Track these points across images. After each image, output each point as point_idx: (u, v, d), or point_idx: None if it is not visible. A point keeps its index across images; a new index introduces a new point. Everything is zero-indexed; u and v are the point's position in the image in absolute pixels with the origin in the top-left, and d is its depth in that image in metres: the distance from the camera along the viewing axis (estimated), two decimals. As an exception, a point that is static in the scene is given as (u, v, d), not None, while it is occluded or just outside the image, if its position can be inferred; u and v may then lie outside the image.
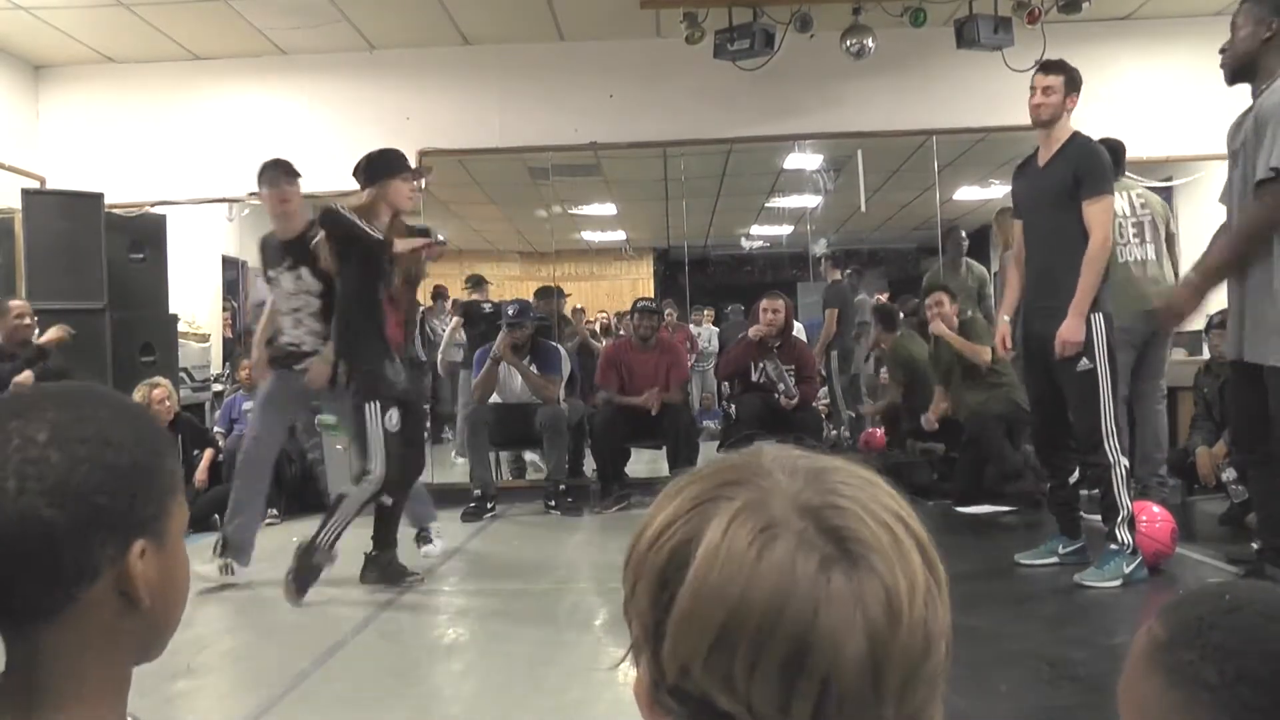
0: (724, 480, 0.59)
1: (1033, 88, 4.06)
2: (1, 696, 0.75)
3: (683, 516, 0.58)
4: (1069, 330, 3.86)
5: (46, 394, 0.76)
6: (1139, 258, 5.01)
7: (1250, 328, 3.37)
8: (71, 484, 0.72)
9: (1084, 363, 3.88)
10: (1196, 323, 5.92)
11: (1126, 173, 5.24)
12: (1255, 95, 3.39)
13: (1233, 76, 3.45)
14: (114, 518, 0.73)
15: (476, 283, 8.95)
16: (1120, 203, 4.98)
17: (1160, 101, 6.58)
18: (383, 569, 4.26)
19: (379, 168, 4.19)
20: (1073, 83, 4.03)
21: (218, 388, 7.88)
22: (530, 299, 7.68)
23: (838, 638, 0.54)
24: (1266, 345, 3.30)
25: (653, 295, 11.85)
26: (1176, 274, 5.19)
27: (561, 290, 8.50)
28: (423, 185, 4.53)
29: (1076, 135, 4.03)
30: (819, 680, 0.54)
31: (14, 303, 5.47)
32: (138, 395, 5.90)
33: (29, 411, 0.73)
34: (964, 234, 7.73)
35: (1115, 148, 4.97)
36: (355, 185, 4.28)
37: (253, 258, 9.70)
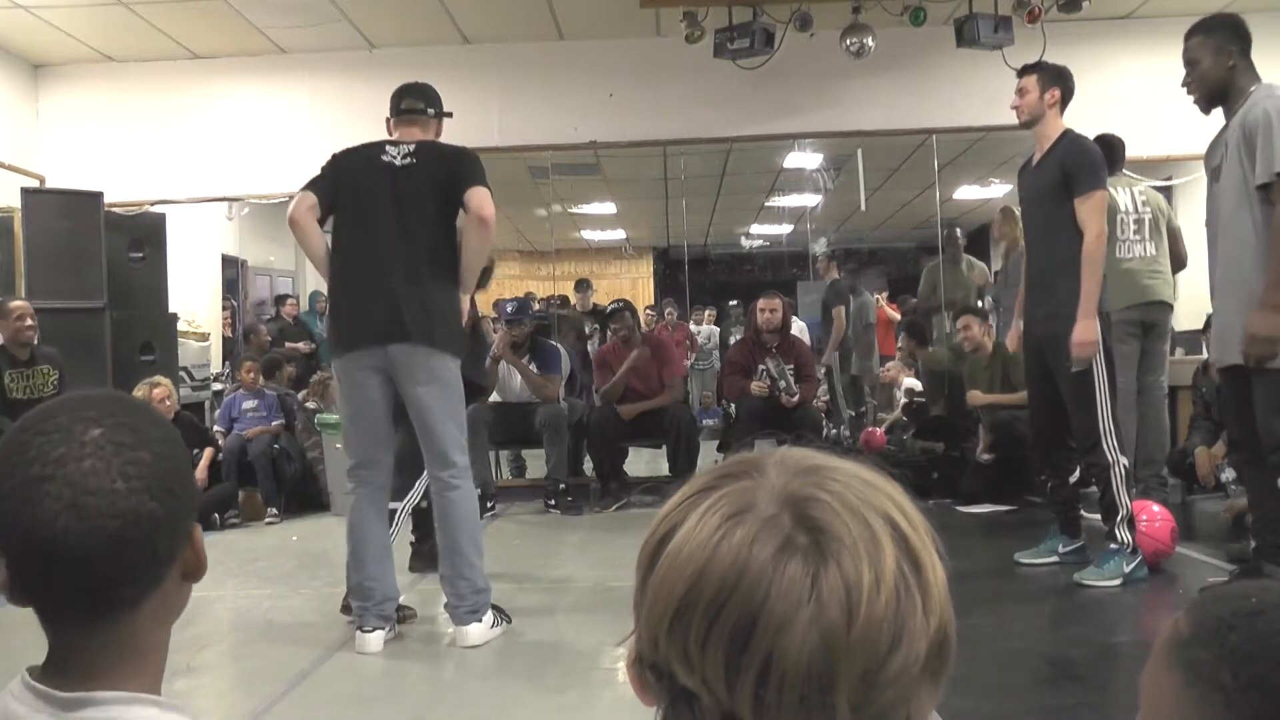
0: (723, 473, 0.63)
1: (1015, 93, 4.11)
2: (65, 672, 0.79)
3: (680, 505, 0.62)
4: (1081, 332, 3.81)
5: (102, 402, 0.81)
6: (1139, 254, 5.02)
7: (1227, 330, 3.39)
8: (162, 478, 0.79)
9: (1080, 363, 3.88)
10: (1196, 322, 5.95)
11: (1125, 171, 5.24)
12: (1229, 114, 3.49)
13: (1208, 106, 3.57)
14: (187, 505, 0.82)
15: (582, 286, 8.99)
16: (1122, 198, 5.00)
17: (1160, 100, 6.55)
18: (426, 557, 4.32)
19: None
20: (1051, 78, 4.03)
21: (217, 387, 7.88)
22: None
23: (785, 620, 0.55)
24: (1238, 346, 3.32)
25: (652, 294, 11.89)
26: (1178, 268, 5.20)
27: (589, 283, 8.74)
28: None
29: (1067, 133, 4.03)
30: (760, 659, 0.55)
31: (15, 304, 5.46)
32: (138, 394, 5.91)
33: (104, 419, 0.79)
34: (959, 231, 7.73)
35: (1113, 144, 4.98)
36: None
37: (252, 256, 9.73)
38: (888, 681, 0.56)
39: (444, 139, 3.71)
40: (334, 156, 3.58)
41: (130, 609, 0.80)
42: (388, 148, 3.47)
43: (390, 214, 3.38)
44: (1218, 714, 0.66)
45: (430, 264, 3.36)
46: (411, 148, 3.45)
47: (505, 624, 3.53)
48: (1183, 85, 3.57)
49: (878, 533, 0.58)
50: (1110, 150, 4.85)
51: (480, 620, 3.41)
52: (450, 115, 3.72)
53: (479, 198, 3.34)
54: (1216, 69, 3.47)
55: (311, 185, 3.48)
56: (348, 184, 3.46)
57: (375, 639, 3.38)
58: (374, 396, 3.41)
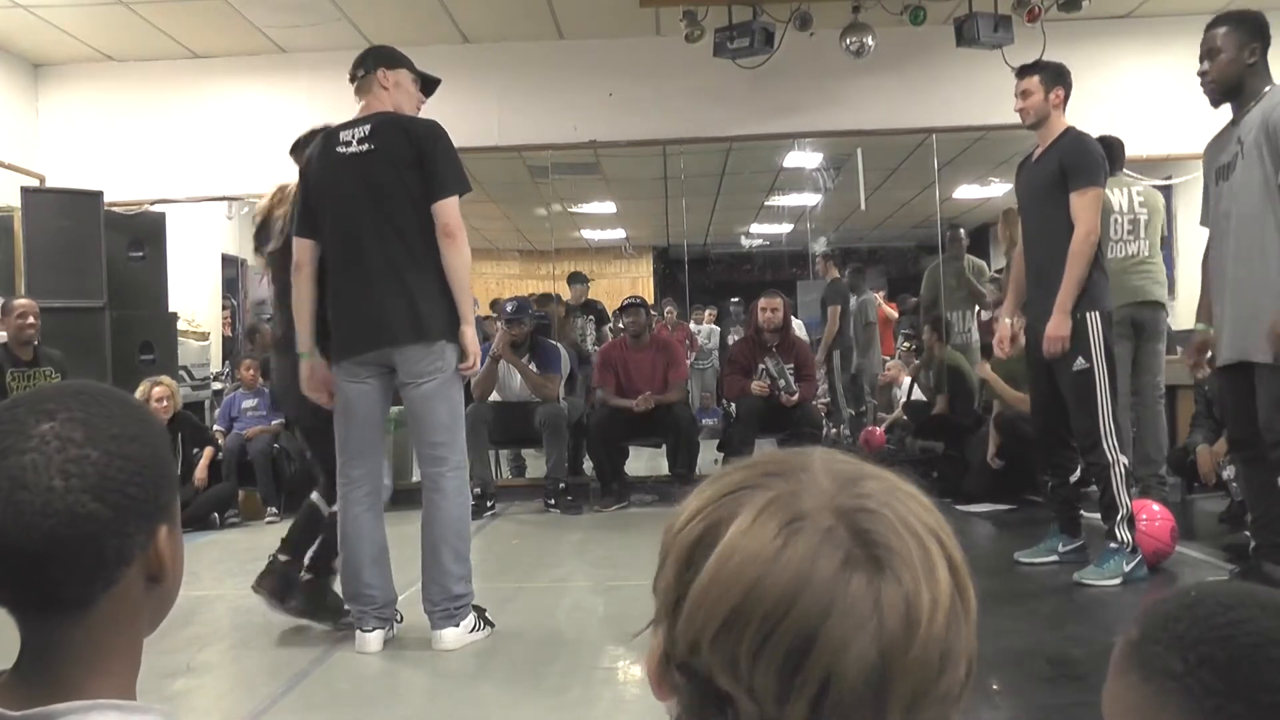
0: (766, 471, 0.61)
1: (1015, 95, 4.09)
2: (27, 676, 0.78)
3: (719, 499, 0.60)
4: (1054, 327, 3.87)
5: (64, 395, 0.80)
6: (1131, 253, 5.03)
7: (1238, 327, 3.39)
8: (110, 478, 0.77)
9: (1080, 362, 3.88)
10: (1195, 320, 5.94)
11: (1126, 170, 5.24)
12: (1239, 113, 3.46)
13: (1220, 99, 3.53)
14: (145, 506, 0.79)
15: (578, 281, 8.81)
16: (1118, 198, 5.00)
17: (1159, 99, 6.58)
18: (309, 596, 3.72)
19: None
20: (1053, 78, 4.04)
21: (217, 386, 7.88)
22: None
23: (846, 639, 0.54)
24: (1254, 343, 3.32)
25: (652, 293, 11.89)
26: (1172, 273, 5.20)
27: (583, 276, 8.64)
28: None
29: (1069, 130, 4.04)
30: (819, 678, 0.54)
31: (19, 302, 5.45)
32: (139, 393, 5.92)
33: (59, 413, 0.77)
34: (963, 232, 7.72)
35: (1113, 145, 4.99)
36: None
37: (252, 256, 9.74)
38: (933, 702, 0.55)
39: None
40: (301, 172, 3.55)
41: (80, 610, 0.78)
42: (342, 134, 3.42)
43: (361, 214, 3.33)
44: (1174, 701, 0.67)
45: (410, 255, 3.31)
46: (367, 129, 3.38)
47: (488, 629, 3.47)
48: (1199, 74, 3.51)
49: (932, 553, 0.57)
50: (1109, 151, 4.86)
51: (456, 625, 3.37)
52: (399, 61, 3.58)
53: (444, 213, 3.30)
54: (1237, 63, 3.43)
55: (302, 225, 3.46)
56: (320, 198, 3.43)
57: (375, 639, 3.37)
58: (369, 399, 3.42)
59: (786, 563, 0.55)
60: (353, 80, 3.56)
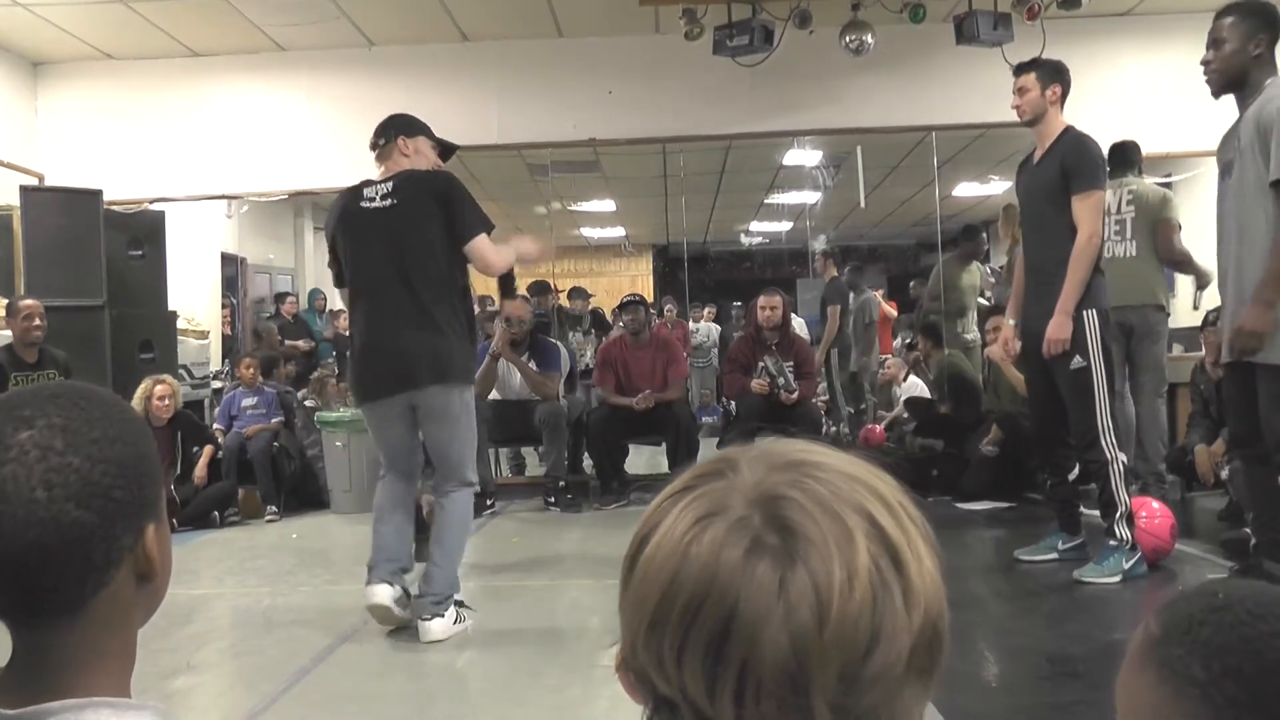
0: (701, 472, 0.61)
1: (1012, 92, 4.09)
2: (22, 678, 0.78)
3: (659, 506, 0.61)
4: (1055, 328, 3.87)
5: (41, 400, 0.78)
6: (1119, 254, 5.02)
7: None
8: (94, 484, 0.76)
9: (1077, 360, 3.88)
10: (1195, 319, 5.95)
11: (1141, 171, 5.27)
12: (1243, 106, 3.41)
13: (1221, 90, 3.47)
14: (130, 508, 0.78)
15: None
16: (1108, 199, 4.99)
17: (1159, 97, 6.57)
18: None
19: None
20: (1049, 74, 4.03)
21: (217, 384, 7.88)
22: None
23: (755, 626, 0.53)
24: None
25: (652, 291, 11.90)
26: (1170, 263, 5.19)
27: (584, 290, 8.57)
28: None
29: (1069, 130, 4.02)
30: (737, 668, 0.54)
31: (24, 303, 5.42)
32: (141, 392, 5.93)
33: (37, 419, 0.76)
34: (985, 235, 7.58)
35: (1128, 148, 5.02)
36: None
37: (252, 254, 9.74)
38: (869, 681, 0.54)
39: (444, 136, 3.78)
40: (329, 225, 3.77)
41: (72, 614, 0.78)
42: (365, 191, 3.62)
43: (383, 263, 3.54)
44: (1193, 708, 0.67)
45: (432, 302, 3.52)
46: (390, 185, 3.57)
47: (468, 620, 3.59)
48: (1202, 63, 3.45)
49: (852, 529, 0.56)
50: (1126, 154, 4.91)
51: (441, 616, 3.50)
52: (417, 129, 3.74)
53: (476, 254, 3.55)
54: (1241, 55, 3.35)
55: (337, 278, 3.76)
56: (345, 248, 3.66)
57: (381, 591, 3.50)
58: (398, 432, 3.66)
59: (695, 557, 0.56)
60: (374, 148, 3.74)
